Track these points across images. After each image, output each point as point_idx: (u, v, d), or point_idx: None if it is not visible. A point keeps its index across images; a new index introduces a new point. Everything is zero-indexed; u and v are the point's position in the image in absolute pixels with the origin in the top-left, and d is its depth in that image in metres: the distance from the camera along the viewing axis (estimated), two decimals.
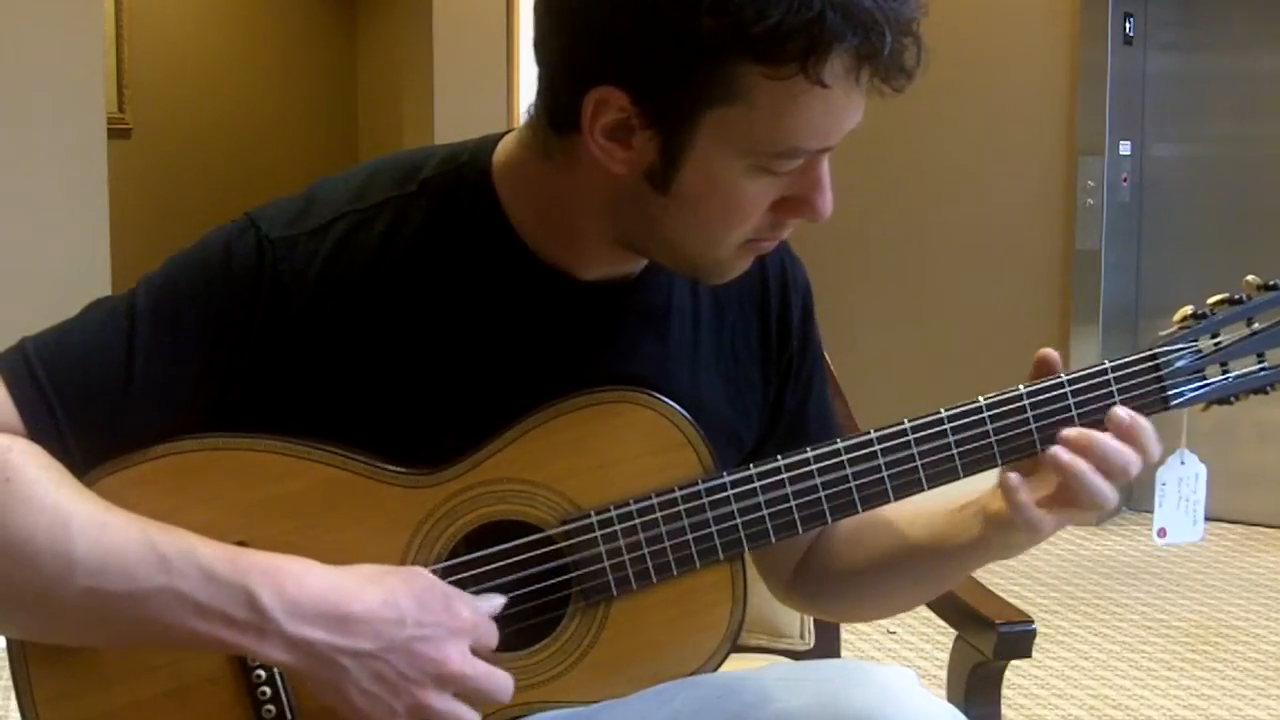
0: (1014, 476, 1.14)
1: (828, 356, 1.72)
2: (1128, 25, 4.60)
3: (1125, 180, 4.67)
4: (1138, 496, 4.60)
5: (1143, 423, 1.16)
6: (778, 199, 1.08)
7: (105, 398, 1.08)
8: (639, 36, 1.00)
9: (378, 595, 1.05)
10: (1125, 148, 4.65)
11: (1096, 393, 1.17)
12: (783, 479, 1.15)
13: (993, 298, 4.74)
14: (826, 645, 1.72)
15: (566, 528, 1.14)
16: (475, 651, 1.08)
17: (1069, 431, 1.14)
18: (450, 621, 1.06)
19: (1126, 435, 1.15)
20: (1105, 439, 1.14)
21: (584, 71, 1.04)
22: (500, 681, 1.08)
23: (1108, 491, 1.14)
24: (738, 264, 1.13)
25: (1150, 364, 1.19)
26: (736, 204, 1.07)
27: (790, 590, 1.35)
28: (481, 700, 1.08)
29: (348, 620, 1.03)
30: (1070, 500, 1.14)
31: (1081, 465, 1.13)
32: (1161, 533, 1.35)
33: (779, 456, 1.16)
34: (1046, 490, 1.15)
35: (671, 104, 1.02)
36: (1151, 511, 1.29)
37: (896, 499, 1.17)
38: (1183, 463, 1.33)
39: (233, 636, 1.03)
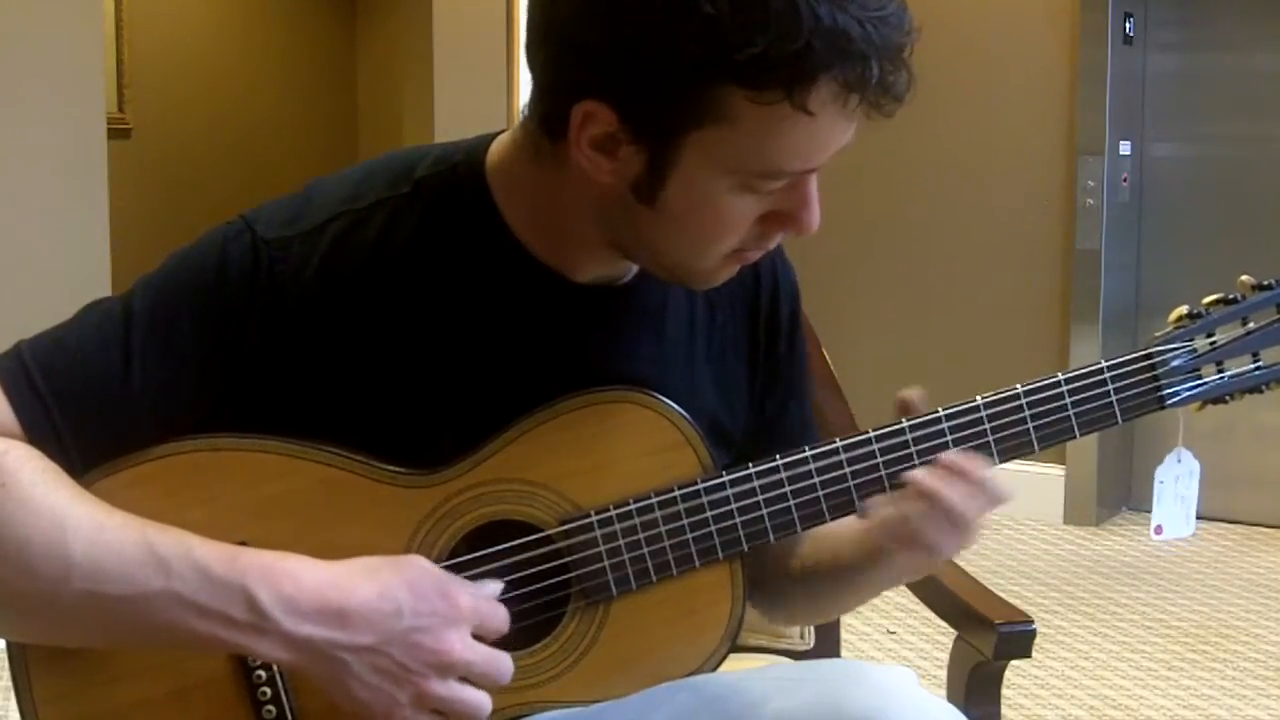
0: (878, 499, 1.15)
1: (827, 356, 1.72)
2: (1128, 25, 4.59)
3: (1125, 180, 4.66)
4: (1137, 496, 4.60)
5: (967, 464, 1.14)
6: (765, 213, 1.08)
7: (103, 400, 1.08)
8: (625, 56, 1.01)
9: (374, 588, 1.05)
10: (1125, 148, 4.65)
11: (1093, 392, 1.18)
12: (781, 479, 1.16)
13: (993, 298, 4.74)
14: (826, 645, 1.72)
15: (566, 527, 1.14)
16: (482, 636, 1.08)
17: (915, 473, 1.14)
18: (448, 610, 1.06)
19: (953, 474, 1.14)
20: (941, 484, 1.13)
21: (572, 84, 1.04)
22: (502, 664, 1.08)
23: (934, 534, 1.13)
24: (723, 273, 1.14)
25: (1146, 363, 1.19)
26: (721, 220, 1.07)
27: None
28: (488, 685, 1.08)
29: (345, 615, 1.03)
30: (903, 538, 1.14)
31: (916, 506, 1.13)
32: (1158, 529, 1.36)
33: (778, 456, 1.16)
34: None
35: (657, 122, 1.02)
36: (1150, 512, 1.29)
37: None
38: (1179, 460, 1.34)
39: (233, 636, 1.03)
